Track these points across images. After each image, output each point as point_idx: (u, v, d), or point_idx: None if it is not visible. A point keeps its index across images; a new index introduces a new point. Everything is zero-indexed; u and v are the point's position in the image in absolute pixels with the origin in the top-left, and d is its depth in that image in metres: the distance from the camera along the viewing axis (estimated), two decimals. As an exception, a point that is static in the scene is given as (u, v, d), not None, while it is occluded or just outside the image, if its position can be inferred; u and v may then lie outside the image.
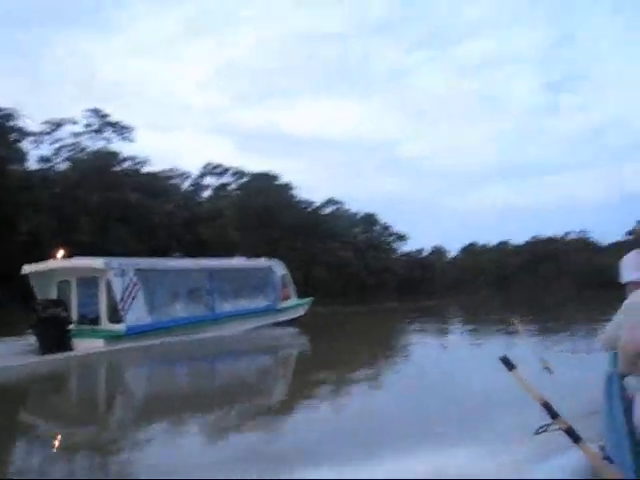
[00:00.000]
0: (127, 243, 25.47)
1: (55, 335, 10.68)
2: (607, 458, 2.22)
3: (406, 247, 58.39)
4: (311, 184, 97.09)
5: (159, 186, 33.79)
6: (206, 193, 42.86)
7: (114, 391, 8.85)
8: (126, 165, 33.16)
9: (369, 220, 52.79)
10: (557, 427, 1.29)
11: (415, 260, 57.29)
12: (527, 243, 73.24)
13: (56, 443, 5.57)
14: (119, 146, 32.68)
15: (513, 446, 3.99)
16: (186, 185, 41.09)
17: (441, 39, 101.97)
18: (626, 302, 2.60)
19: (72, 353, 10.57)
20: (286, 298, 15.89)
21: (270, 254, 20.46)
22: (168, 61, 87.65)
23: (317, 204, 47.49)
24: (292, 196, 44.58)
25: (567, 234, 72.80)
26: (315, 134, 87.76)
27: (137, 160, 33.68)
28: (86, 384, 9.34)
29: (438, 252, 68.34)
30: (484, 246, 73.56)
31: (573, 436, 1.34)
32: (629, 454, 2.19)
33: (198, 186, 42.48)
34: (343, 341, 13.34)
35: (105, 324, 11.69)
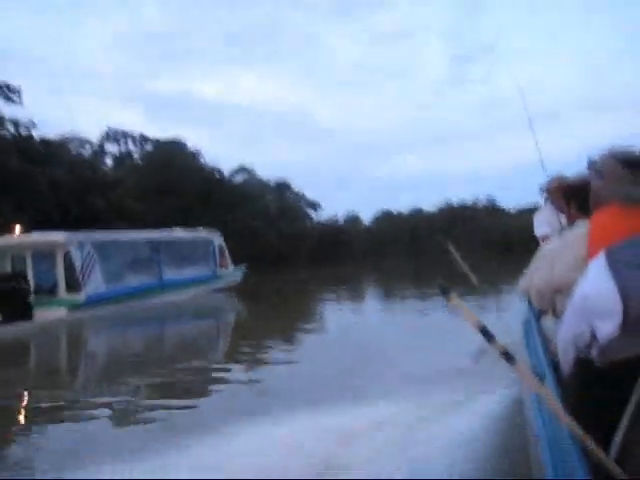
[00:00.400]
0: (3, 213, 23.31)
1: (17, 305, 11.50)
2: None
3: (321, 215, 58.84)
4: (223, 152, 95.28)
5: (50, 153, 31.38)
6: (109, 161, 40.55)
7: (79, 353, 10.01)
8: (9, 129, 30.37)
9: (282, 188, 52.64)
10: (493, 351, 1.30)
11: (330, 228, 57.84)
12: (439, 209, 76.02)
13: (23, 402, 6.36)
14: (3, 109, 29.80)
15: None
16: (85, 153, 38.54)
17: (353, 7, 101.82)
18: (540, 249, 2.66)
19: (35, 321, 11.64)
20: (224, 266, 17.70)
21: (177, 224, 19.85)
22: (72, 24, 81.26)
23: (227, 172, 46.51)
24: (200, 164, 43.35)
25: (476, 200, 76.37)
26: (227, 101, 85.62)
27: (23, 124, 30.95)
28: (50, 348, 10.42)
29: (353, 220, 69.45)
30: (398, 213, 75.60)
31: (509, 358, 1.33)
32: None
33: (98, 154, 40.08)
34: (271, 307, 15.12)
35: (63, 294, 12.74)
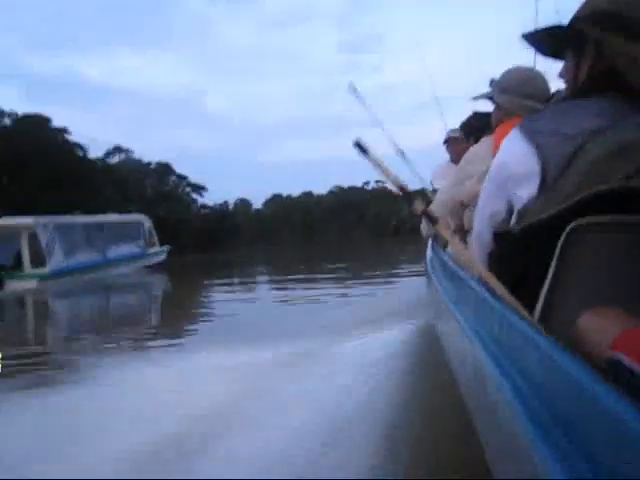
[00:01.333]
0: None
1: None
2: None
3: (210, 200, 57.66)
4: (103, 135, 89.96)
5: None
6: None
7: (49, 315, 11.71)
8: None
9: (163, 170, 50.26)
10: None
11: (217, 212, 56.79)
12: (330, 192, 77.84)
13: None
14: None
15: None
16: None
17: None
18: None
19: (7, 290, 14.07)
20: (152, 245, 21.19)
21: (33, 208, 20.15)
22: None
23: (102, 153, 43.56)
24: (66, 141, 39.97)
25: (367, 183, 79.08)
26: (113, 83, 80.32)
27: None
28: (24, 311, 12.50)
29: (243, 204, 68.84)
30: (289, 197, 76.20)
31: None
32: None
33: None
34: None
35: (28, 269, 15.45)
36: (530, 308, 1.08)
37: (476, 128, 2.68)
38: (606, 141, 1.10)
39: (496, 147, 2.06)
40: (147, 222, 21.55)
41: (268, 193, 76.47)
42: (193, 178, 53.48)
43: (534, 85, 2.09)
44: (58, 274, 15.48)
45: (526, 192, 1.20)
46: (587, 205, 1.07)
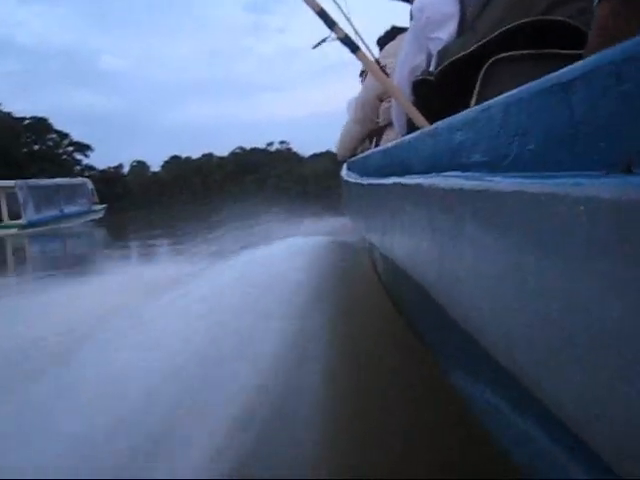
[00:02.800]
0: None
1: None
2: None
3: (103, 162, 54.47)
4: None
5: None
6: None
7: (27, 253, 15.15)
8: None
9: (39, 127, 46.41)
10: (334, 37, 1.28)
11: (105, 174, 53.86)
12: (231, 154, 76.37)
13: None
14: None
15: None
16: None
17: None
18: None
19: None
20: (94, 203, 26.45)
21: None
22: None
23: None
24: None
25: (270, 144, 78.32)
26: None
27: None
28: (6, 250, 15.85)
29: (140, 167, 65.86)
30: (188, 158, 73.86)
31: (350, 46, 1.26)
32: None
33: None
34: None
35: (7, 221, 20.84)
36: None
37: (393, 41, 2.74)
38: None
39: None
40: (90, 184, 27.28)
41: (167, 155, 73.79)
42: (79, 137, 50.15)
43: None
44: (31, 225, 20.74)
45: (445, 34, 1.24)
46: (505, 41, 1.13)
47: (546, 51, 1.13)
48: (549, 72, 1.18)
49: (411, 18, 2.33)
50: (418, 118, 1.12)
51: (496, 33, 1.13)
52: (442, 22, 1.25)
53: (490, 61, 1.13)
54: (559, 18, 1.11)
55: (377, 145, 2.83)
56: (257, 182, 68.12)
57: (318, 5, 1.19)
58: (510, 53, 1.12)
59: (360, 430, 1.15)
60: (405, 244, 0.96)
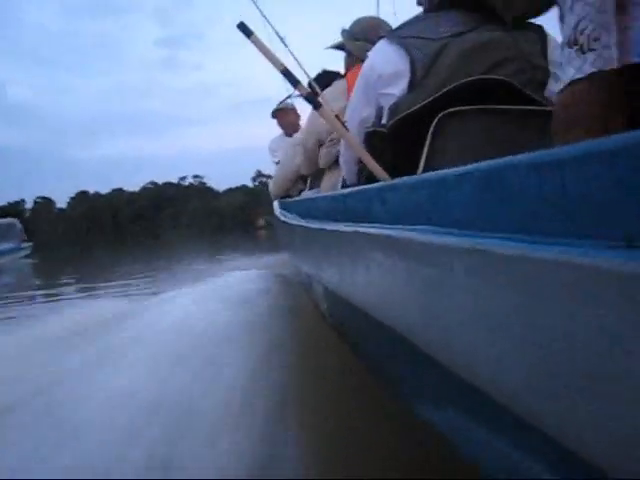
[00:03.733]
0: None
1: None
2: None
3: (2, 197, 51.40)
4: None
5: None
6: None
7: None
8: None
9: None
10: (298, 94, 1.43)
11: (4, 210, 51.00)
12: (144, 189, 74.69)
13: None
14: None
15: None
16: None
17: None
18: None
19: None
20: (23, 242, 25.93)
21: None
22: None
23: None
24: None
25: (183, 179, 77.36)
26: None
27: None
28: None
29: (45, 203, 62.79)
30: (97, 193, 71.41)
31: (313, 103, 1.36)
32: None
33: None
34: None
35: None
36: None
37: (325, 85, 2.90)
38: (466, 41, 1.29)
39: (349, 88, 2.25)
40: (19, 224, 26.97)
41: (73, 191, 70.91)
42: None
43: (381, 31, 2.36)
44: None
45: (396, 90, 1.33)
46: (452, 97, 1.25)
47: (490, 107, 1.25)
48: (492, 126, 1.32)
49: (347, 66, 2.47)
50: (376, 169, 1.19)
51: (444, 90, 1.24)
52: (392, 79, 1.33)
53: (439, 116, 1.24)
54: (499, 77, 1.24)
55: (312, 187, 2.92)
56: (172, 217, 66.82)
57: (282, 64, 1.25)
58: (457, 108, 1.23)
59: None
60: (363, 286, 1.02)
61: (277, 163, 4.52)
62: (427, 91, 1.26)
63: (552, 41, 1.35)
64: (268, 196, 3.98)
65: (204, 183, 77.94)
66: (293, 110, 4.33)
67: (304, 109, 4.10)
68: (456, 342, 0.60)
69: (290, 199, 2.88)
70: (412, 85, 1.30)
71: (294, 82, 1.23)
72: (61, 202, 68.09)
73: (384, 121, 1.38)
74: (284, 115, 4.32)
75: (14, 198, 57.70)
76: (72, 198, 69.26)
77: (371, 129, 1.42)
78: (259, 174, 73.03)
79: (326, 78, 2.93)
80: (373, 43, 2.28)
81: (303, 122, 4.35)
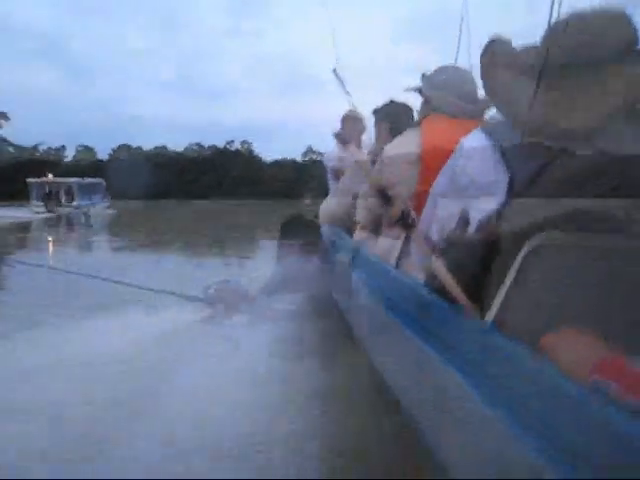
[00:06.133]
0: None
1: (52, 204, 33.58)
2: None
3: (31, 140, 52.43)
4: None
5: None
6: None
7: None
8: None
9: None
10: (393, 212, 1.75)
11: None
12: (187, 149, 75.37)
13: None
14: None
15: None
16: None
17: None
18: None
19: (57, 212, 31.69)
20: (107, 196, 38.51)
21: None
22: None
23: None
24: None
25: (230, 143, 77.65)
26: None
27: None
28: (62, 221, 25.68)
29: (87, 151, 64.39)
30: (139, 148, 72.54)
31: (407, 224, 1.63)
32: None
33: None
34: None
35: (65, 203, 34.61)
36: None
37: (393, 115, 2.92)
38: (573, 162, 1.20)
39: (426, 141, 2.24)
40: (104, 183, 38.72)
41: (114, 143, 72.48)
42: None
43: (465, 86, 2.36)
44: (78, 207, 32.77)
45: (490, 203, 1.25)
46: (553, 224, 1.16)
47: (591, 238, 1.15)
48: (591, 262, 1.22)
49: (423, 113, 2.41)
50: (456, 291, 1.14)
51: (546, 215, 1.15)
52: (487, 190, 1.26)
53: (532, 241, 1.15)
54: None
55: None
56: (213, 181, 67.14)
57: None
58: (553, 235, 1.14)
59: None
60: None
61: (330, 171, 4.56)
62: (524, 211, 1.18)
63: None
64: (317, 173, 4.39)
65: (252, 151, 78.00)
66: (361, 120, 4.26)
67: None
68: None
69: (361, 251, 2.71)
70: (508, 201, 1.22)
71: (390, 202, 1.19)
72: (102, 153, 69.69)
73: (472, 229, 1.30)
74: (351, 122, 4.26)
75: (56, 144, 58.93)
76: (114, 150, 70.63)
77: (457, 237, 1.32)
78: (310, 150, 72.87)
79: (394, 108, 2.92)
80: (454, 96, 2.25)
81: (366, 136, 4.26)
